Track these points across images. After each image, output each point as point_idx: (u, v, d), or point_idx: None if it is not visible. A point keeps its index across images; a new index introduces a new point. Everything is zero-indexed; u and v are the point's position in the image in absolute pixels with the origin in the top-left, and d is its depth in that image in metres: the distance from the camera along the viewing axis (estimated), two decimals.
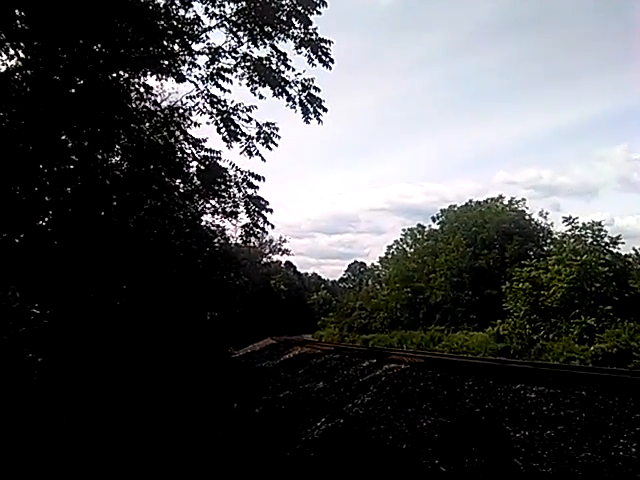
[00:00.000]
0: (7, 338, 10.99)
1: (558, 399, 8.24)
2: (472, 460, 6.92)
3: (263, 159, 14.20)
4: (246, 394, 16.30)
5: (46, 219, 12.94)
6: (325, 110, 13.90)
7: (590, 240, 28.48)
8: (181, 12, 13.06)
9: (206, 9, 12.96)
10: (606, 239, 28.18)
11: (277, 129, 14.10)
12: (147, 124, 14.33)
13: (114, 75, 13.00)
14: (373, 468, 7.83)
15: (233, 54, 13.53)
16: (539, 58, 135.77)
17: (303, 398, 13.86)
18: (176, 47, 13.46)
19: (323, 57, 13.23)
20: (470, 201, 48.79)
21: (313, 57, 13.27)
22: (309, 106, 13.83)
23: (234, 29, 13.17)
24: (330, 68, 13.34)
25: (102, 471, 8.47)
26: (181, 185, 15.55)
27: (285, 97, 13.78)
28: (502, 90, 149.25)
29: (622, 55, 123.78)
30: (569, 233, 30.36)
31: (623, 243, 28.26)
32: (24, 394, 10.08)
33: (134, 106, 13.95)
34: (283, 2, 12.80)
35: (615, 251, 27.97)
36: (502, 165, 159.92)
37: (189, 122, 14.67)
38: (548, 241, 40.15)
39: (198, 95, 13.99)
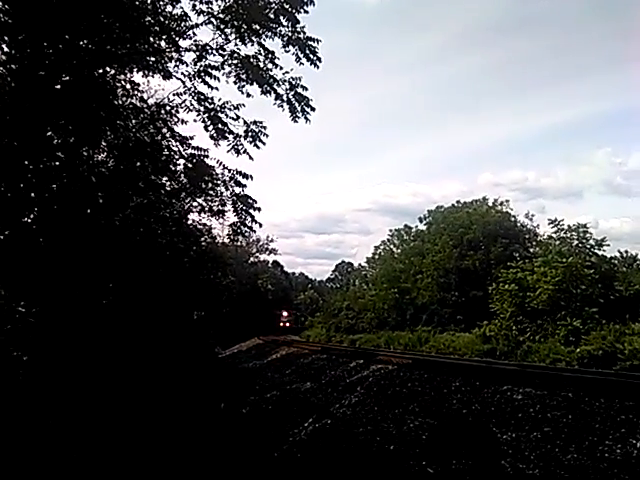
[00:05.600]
0: None
1: (545, 401, 8.25)
2: (459, 461, 6.89)
3: (251, 157, 14.15)
4: (233, 394, 16.24)
5: (31, 216, 12.78)
6: (313, 109, 13.87)
7: (575, 242, 28.62)
8: (168, 8, 12.94)
9: (193, 6, 12.85)
10: (591, 241, 28.34)
11: (265, 127, 14.03)
12: (133, 121, 14.20)
13: (100, 71, 12.88)
14: (361, 469, 7.78)
15: (220, 51, 13.43)
16: (524, 61, 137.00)
17: (290, 398, 13.81)
18: (163, 44, 13.36)
19: (311, 56, 13.18)
20: (457, 202, 49.11)
21: (301, 56, 13.22)
22: (297, 105, 13.78)
23: (221, 26, 13.07)
24: (318, 67, 13.30)
25: (86, 472, 8.37)
26: (167, 183, 15.44)
27: (273, 95, 13.72)
28: (488, 91, 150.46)
29: (607, 59, 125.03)
30: (555, 235, 30.49)
31: (608, 245, 28.44)
32: (9, 393, 9.95)
33: (120, 103, 13.83)
34: (271, 0, 12.74)
35: (600, 253, 28.14)
36: (488, 166, 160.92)
37: (176, 119, 14.59)
38: (534, 243, 40.38)
39: (185, 92, 13.88)
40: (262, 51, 13.44)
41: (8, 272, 11.80)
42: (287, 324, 63.69)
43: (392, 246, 61.24)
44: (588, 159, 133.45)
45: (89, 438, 9.89)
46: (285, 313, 65.60)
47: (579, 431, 6.99)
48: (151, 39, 12.98)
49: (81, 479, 8.20)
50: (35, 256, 12.00)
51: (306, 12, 12.82)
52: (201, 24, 13.11)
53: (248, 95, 14.05)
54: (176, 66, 13.78)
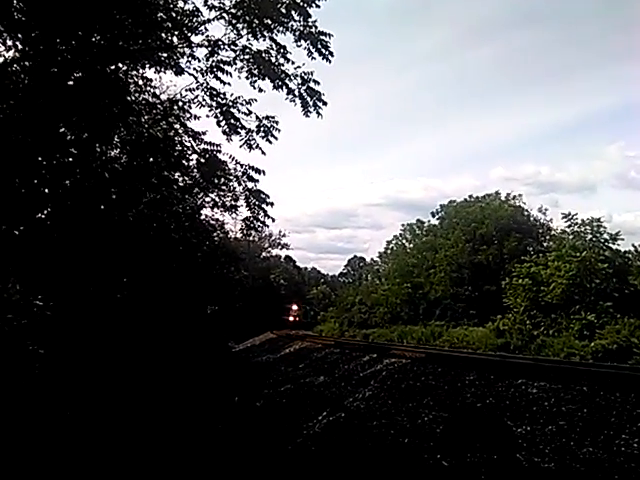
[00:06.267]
0: (8, 330, 10.94)
1: (559, 394, 8.19)
2: (474, 455, 6.88)
3: (263, 152, 14.18)
4: (247, 388, 16.27)
5: (45, 212, 12.88)
6: (325, 104, 13.87)
7: (589, 236, 28.42)
8: (180, 4, 13.02)
9: (205, 1, 12.89)
10: (605, 235, 28.14)
11: (277, 122, 14.06)
12: (146, 117, 14.28)
13: (112, 67, 12.93)
14: (374, 462, 7.79)
15: (232, 47, 13.47)
16: (538, 54, 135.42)
17: (304, 392, 13.82)
18: (175, 39, 13.42)
19: (323, 50, 13.16)
20: (470, 196, 48.86)
21: (313, 50, 13.21)
22: (309, 99, 13.78)
23: (233, 21, 13.10)
24: (330, 61, 13.29)
25: (104, 463, 8.44)
26: (180, 178, 15.53)
27: (285, 90, 13.73)
28: (500, 85, 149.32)
29: (619, 52, 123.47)
30: (568, 229, 30.33)
31: (622, 239, 28.25)
32: (26, 387, 10.05)
33: (133, 98, 13.89)
34: None
35: (614, 247, 27.97)
36: (501, 161, 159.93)
37: (189, 115, 14.64)
38: (547, 237, 40.17)
39: (197, 88, 13.97)
40: (274, 46, 13.45)
41: (24, 267, 11.91)
42: (297, 318, 61.67)
43: (404, 241, 61.07)
44: (601, 153, 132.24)
45: (106, 428, 9.98)
46: (295, 307, 63.60)
47: (594, 425, 6.95)
48: (163, 35, 13.04)
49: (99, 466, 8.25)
50: (50, 251, 12.09)
51: (317, 6, 12.81)
52: (213, 19, 13.15)
53: (260, 90, 14.08)
54: (188, 62, 13.85)
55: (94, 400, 11.26)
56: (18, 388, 9.83)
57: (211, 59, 13.66)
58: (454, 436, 7.71)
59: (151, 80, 14.71)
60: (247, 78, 13.89)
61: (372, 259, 79.76)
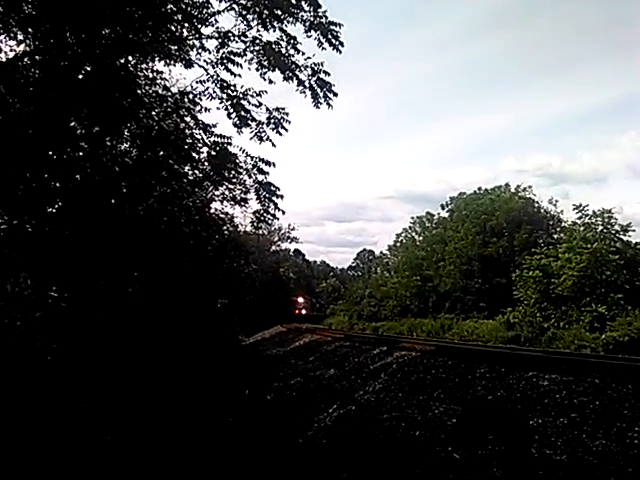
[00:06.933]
0: (20, 325, 11.03)
1: (571, 387, 8.16)
2: (486, 447, 6.87)
3: (273, 145, 14.16)
4: (257, 381, 16.32)
5: (56, 206, 12.94)
6: (335, 95, 13.83)
7: (600, 228, 28.28)
8: None
9: None
10: (616, 227, 28.00)
11: (287, 114, 14.06)
12: (156, 110, 14.29)
13: (122, 60, 12.94)
14: (385, 455, 7.80)
15: (242, 38, 13.43)
16: (549, 43, 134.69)
17: (314, 385, 13.85)
18: (185, 31, 13.38)
19: (333, 40, 13.10)
20: (479, 189, 48.71)
21: (323, 41, 13.15)
22: (319, 90, 13.73)
23: (243, 12, 13.06)
24: (340, 52, 13.22)
25: (115, 454, 8.50)
26: (190, 172, 15.54)
27: (295, 82, 13.69)
28: (510, 76, 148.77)
29: (631, 41, 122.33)
30: (579, 221, 30.20)
31: (634, 231, 28.10)
32: (35, 380, 10.11)
33: (143, 92, 13.91)
34: None
35: (625, 239, 27.81)
36: (511, 152, 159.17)
37: (199, 107, 14.63)
38: (558, 229, 39.96)
39: (208, 80, 13.94)
40: (284, 37, 13.38)
41: (36, 261, 11.98)
42: (303, 311, 60.63)
43: (414, 233, 61.00)
44: (612, 143, 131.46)
45: (117, 421, 10.04)
46: (301, 299, 62.86)
47: (607, 417, 6.91)
48: (173, 27, 13.00)
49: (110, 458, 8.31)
50: (61, 246, 12.15)
51: None
52: (223, 11, 13.11)
53: (270, 82, 14.05)
54: (198, 54, 13.83)
55: (106, 393, 11.32)
56: (27, 382, 9.89)
57: (221, 51, 13.65)
58: (465, 429, 7.70)
59: (161, 73, 14.74)
60: (257, 70, 13.87)
61: (381, 252, 79.66)
